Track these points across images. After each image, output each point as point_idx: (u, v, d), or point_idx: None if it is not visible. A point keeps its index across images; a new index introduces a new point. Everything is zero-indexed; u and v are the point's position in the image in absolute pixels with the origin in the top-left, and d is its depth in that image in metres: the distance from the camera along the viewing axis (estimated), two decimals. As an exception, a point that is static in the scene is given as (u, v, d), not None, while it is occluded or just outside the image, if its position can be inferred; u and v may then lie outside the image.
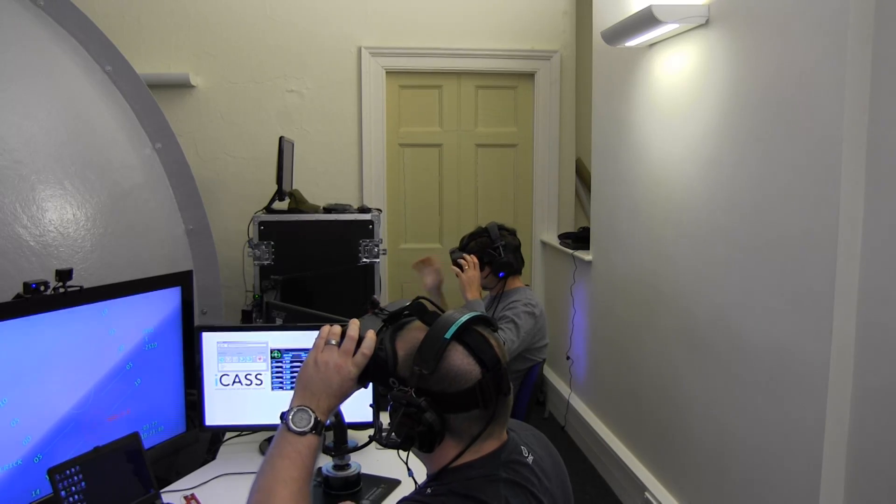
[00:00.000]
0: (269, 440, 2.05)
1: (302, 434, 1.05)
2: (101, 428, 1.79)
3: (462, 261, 2.70)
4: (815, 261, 1.84)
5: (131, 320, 1.90)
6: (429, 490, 1.05)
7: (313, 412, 1.06)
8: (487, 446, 1.06)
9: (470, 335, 1.03)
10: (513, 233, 2.83)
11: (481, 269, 2.72)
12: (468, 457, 1.04)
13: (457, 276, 2.69)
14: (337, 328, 1.11)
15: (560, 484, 1.17)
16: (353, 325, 1.10)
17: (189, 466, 1.92)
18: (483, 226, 2.83)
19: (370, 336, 1.09)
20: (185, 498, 1.74)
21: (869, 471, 1.78)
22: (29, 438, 1.63)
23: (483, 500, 1.01)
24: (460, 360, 1.01)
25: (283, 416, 1.07)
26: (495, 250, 2.72)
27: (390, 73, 4.22)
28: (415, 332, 1.07)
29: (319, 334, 1.11)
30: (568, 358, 3.94)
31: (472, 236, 2.81)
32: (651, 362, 2.89)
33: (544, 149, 4.43)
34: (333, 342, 1.09)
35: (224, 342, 1.97)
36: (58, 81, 2.35)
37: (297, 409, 1.06)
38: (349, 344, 1.09)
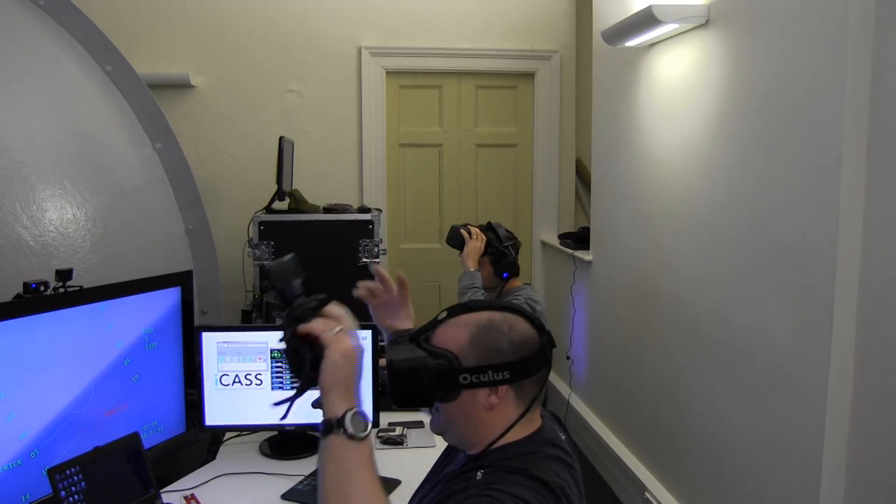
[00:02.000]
0: (268, 440, 2.05)
1: (365, 437, 0.95)
2: (99, 423, 1.79)
3: (470, 229, 2.69)
4: (815, 261, 1.84)
5: (131, 320, 1.90)
6: (479, 476, 1.05)
7: (362, 409, 0.97)
8: (530, 426, 1.12)
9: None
10: (514, 237, 2.82)
11: (482, 266, 2.71)
12: (513, 436, 1.09)
13: (462, 244, 2.67)
14: (334, 313, 1.03)
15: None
16: (332, 305, 1.04)
17: (189, 466, 1.92)
18: (491, 223, 2.82)
19: (336, 307, 1.04)
20: (185, 498, 1.74)
21: (869, 471, 1.78)
22: (25, 434, 1.63)
23: (538, 475, 1.02)
24: (525, 327, 1.10)
25: (337, 424, 0.93)
26: (505, 249, 2.70)
27: (390, 73, 4.22)
28: (451, 329, 1.10)
29: (319, 328, 0.99)
30: (568, 358, 3.94)
31: (482, 229, 2.80)
32: (651, 362, 2.89)
33: (544, 149, 4.43)
34: (339, 328, 1.00)
35: (224, 342, 1.97)
36: (58, 81, 2.35)
37: (353, 413, 0.94)
38: (347, 322, 1.02)
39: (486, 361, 1.06)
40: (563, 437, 1.18)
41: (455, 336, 1.09)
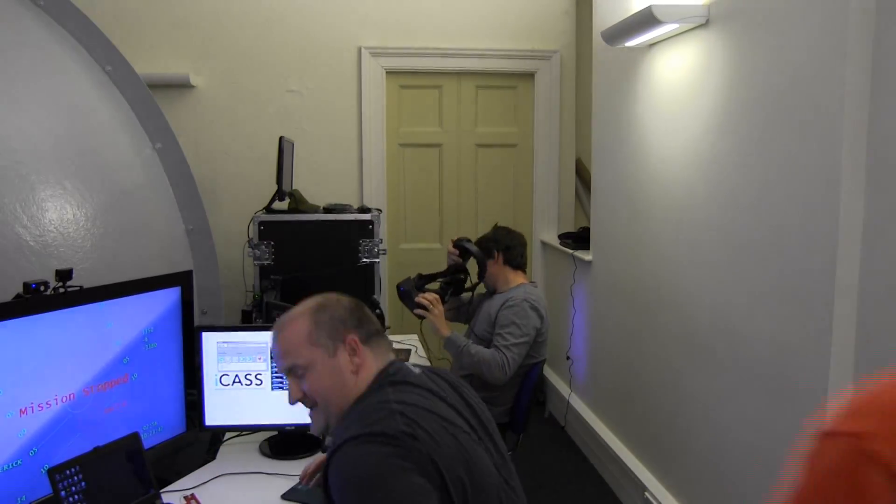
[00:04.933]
0: (268, 440, 2.06)
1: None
2: (98, 422, 1.79)
3: (423, 301, 2.67)
4: (815, 261, 1.84)
5: (131, 320, 1.90)
6: (347, 439, 1.17)
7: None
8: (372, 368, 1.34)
9: None
10: (512, 240, 2.84)
11: (492, 258, 2.76)
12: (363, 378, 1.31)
13: (421, 316, 2.70)
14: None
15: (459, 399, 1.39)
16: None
17: (189, 466, 1.92)
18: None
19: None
20: (185, 498, 1.74)
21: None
22: (24, 431, 1.63)
23: (384, 431, 1.17)
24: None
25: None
26: (461, 277, 2.86)
27: (390, 73, 4.22)
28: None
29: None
30: (568, 358, 3.94)
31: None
32: (651, 362, 2.89)
33: (544, 149, 4.43)
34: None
35: (224, 342, 1.97)
36: (58, 81, 2.35)
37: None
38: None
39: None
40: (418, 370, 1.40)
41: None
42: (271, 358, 1.97)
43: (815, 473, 0.57)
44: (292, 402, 1.31)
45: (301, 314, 1.32)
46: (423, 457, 1.15)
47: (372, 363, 1.32)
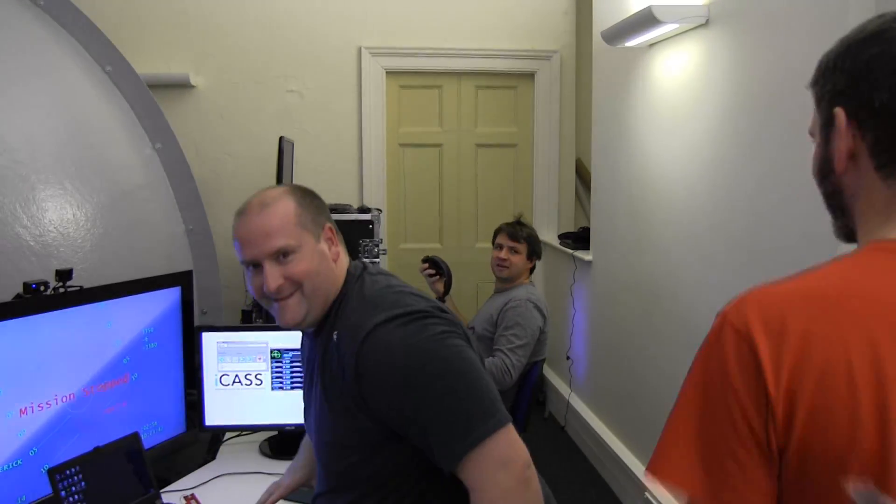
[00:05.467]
0: (268, 440, 2.06)
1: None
2: (98, 422, 1.79)
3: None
4: (815, 261, 1.84)
5: (131, 319, 1.90)
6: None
7: None
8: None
9: None
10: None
11: (530, 259, 2.83)
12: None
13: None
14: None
15: None
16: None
17: (189, 466, 1.92)
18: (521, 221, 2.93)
19: None
20: (185, 498, 1.74)
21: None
22: (24, 431, 1.63)
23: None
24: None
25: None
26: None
27: (390, 73, 4.22)
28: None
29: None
30: (568, 358, 3.94)
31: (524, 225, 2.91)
32: (651, 362, 2.89)
33: (544, 149, 4.43)
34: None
35: (224, 342, 1.97)
36: (58, 81, 2.35)
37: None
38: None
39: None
40: None
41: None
42: (271, 358, 1.97)
43: (699, 350, 0.80)
44: (272, 287, 1.15)
45: (285, 193, 1.22)
46: (457, 325, 1.16)
47: (344, 256, 1.27)
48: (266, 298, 1.19)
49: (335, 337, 1.18)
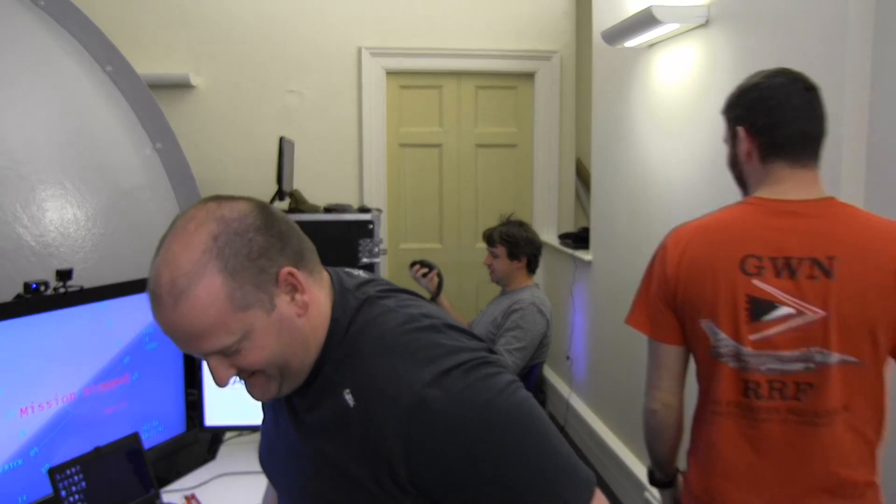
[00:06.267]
0: (269, 440, 2.06)
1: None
2: (98, 422, 1.79)
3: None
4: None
5: (131, 319, 1.90)
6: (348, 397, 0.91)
7: None
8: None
9: None
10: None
11: (518, 259, 2.77)
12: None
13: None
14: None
15: None
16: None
17: (189, 466, 1.93)
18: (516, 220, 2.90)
19: None
20: (185, 498, 1.74)
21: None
22: (25, 431, 1.63)
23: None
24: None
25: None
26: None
27: (390, 74, 4.22)
28: None
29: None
30: (568, 358, 3.94)
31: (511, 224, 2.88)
32: (651, 362, 2.89)
33: (544, 149, 4.43)
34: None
35: (224, 342, 1.97)
36: (58, 81, 2.35)
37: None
38: None
39: None
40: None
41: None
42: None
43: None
44: (223, 383, 0.90)
45: (203, 261, 0.82)
46: (504, 363, 0.93)
47: (317, 290, 0.92)
48: None
49: (349, 399, 0.90)
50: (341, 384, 0.91)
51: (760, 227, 1.29)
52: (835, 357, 1.23)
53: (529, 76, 4.38)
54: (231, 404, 1.98)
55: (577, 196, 4.61)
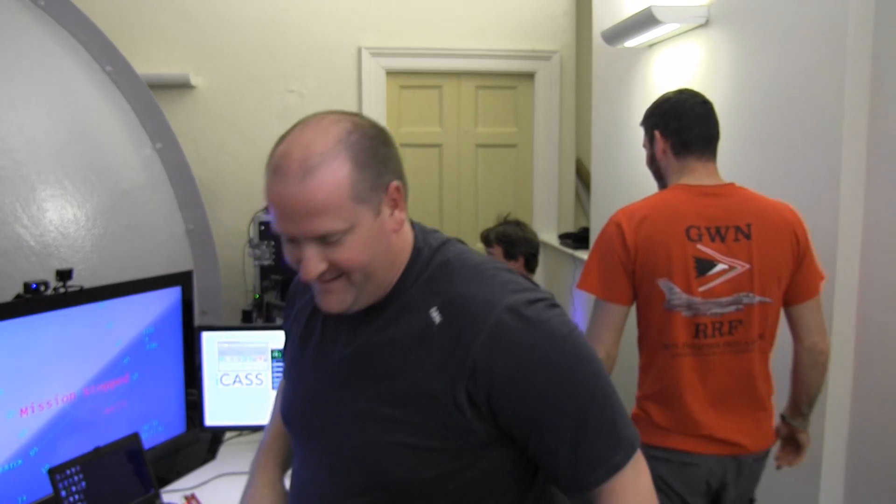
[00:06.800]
0: (269, 440, 2.06)
1: None
2: (98, 422, 1.79)
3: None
4: (816, 258, 1.84)
5: (131, 319, 1.90)
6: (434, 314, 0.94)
7: None
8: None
9: None
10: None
11: (514, 258, 2.75)
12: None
13: None
14: None
15: None
16: None
17: (189, 466, 1.93)
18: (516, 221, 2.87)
19: None
20: (185, 498, 1.74)
21: (869, 470, 1.78)
22: (25, 431, 1.63)
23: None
24: None
25: None
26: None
27: (390, 74, 4.22)
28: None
29: None
30: (568, 358, 3.94)
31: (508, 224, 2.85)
32: (651, 362, 2.89)
33: (544, 149, 4.43)
34: None
35: (224, 342, 1.97)
36: (58, 81, 2.35)
37: None
38: None
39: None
40: None
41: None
42: (272, 358, 1.97)
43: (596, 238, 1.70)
44: (312, 275, 0.90)
45: (338, 149, 0.87)
46: None
47: (406, 221, 0.98)
48: None
49: (435, 316, 0.92)
50: (428, 303, 0.94)
51: (694, 205, 1.62)
52: (756, 298, 1.61)
53: (529, 76, 4.38)
54: (231, 404, 1.98)
55: (577, 196, 4.61)
